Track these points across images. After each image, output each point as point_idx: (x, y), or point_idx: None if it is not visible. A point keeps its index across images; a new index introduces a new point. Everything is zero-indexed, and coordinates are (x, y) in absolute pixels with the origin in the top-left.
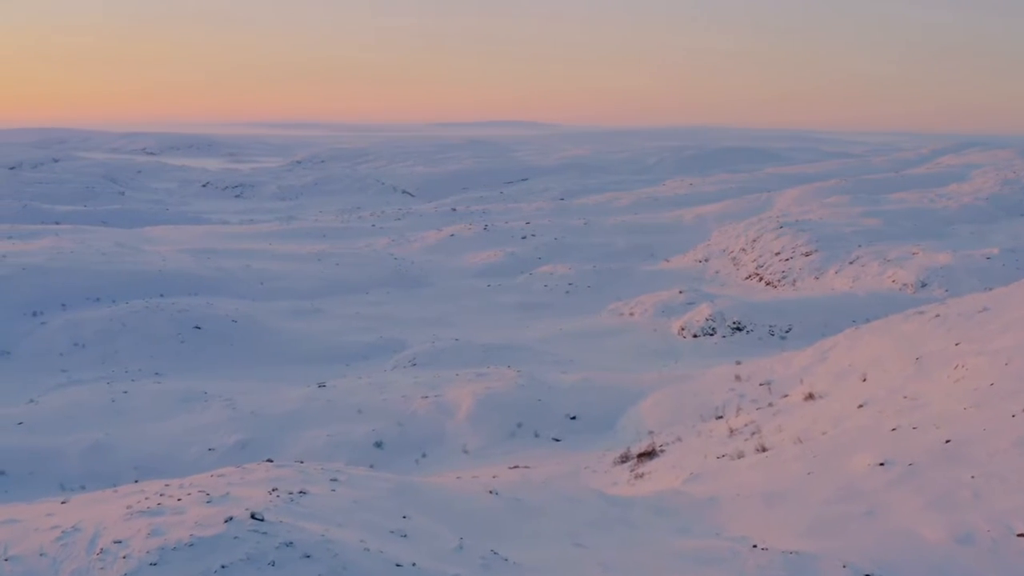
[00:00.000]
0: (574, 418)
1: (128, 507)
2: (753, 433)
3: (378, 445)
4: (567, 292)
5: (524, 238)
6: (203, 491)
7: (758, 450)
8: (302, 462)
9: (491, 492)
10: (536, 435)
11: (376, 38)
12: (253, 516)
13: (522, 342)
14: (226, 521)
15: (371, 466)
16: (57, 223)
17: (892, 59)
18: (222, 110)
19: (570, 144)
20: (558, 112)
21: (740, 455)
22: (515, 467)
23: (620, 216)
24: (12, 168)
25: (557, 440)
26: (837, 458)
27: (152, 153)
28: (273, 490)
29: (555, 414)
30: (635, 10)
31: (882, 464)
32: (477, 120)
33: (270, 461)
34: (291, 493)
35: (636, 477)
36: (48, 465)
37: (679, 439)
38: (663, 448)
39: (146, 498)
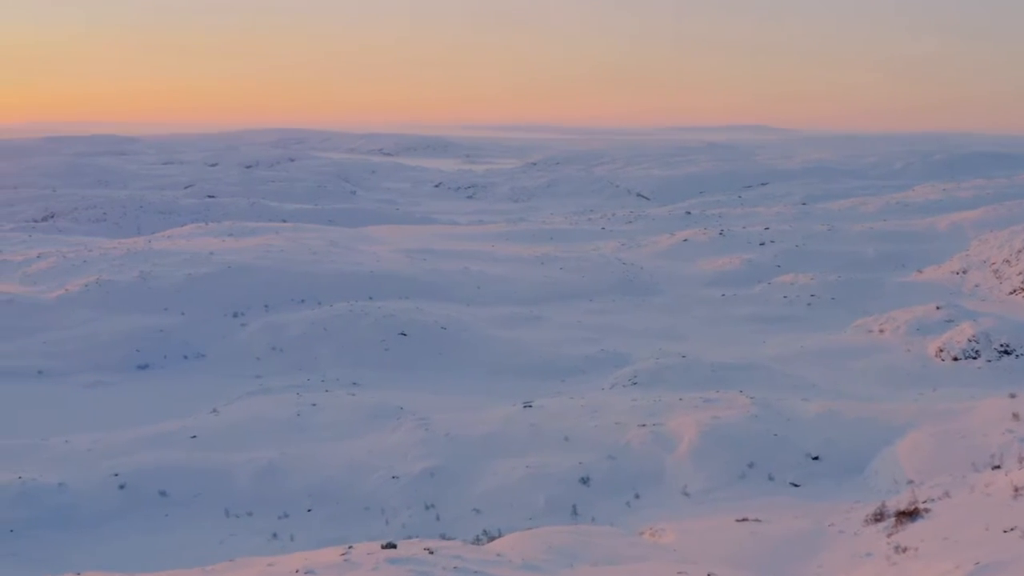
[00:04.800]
0: (816, 458)
1: None
2: None
3: (584, 481)
4: (809, 304)
5: (762, 244)
6: None
7: None
8: (431, 552)
9: None
10: (770, 478)
11: (615, 42)
12: None
13: (757, 360)
14: None
15: (574, 507)
16: (284, 221)
17: None
18: (462, 113)
19: (811, 148)
20: (798, 116)
21: None
22: (743, 519)
23: (867, 223)
24: (248, 167)
25: (796, 485)
26: None
27: (388, 154)
28: None
29: (794, 452)
30: (870, 14)
31: None
32: (715, 124)
33: (392, 547)
34: None
35: (897, 551)
36: (215, 487)
37: (947, 494)
38: (927, 506)
39: None
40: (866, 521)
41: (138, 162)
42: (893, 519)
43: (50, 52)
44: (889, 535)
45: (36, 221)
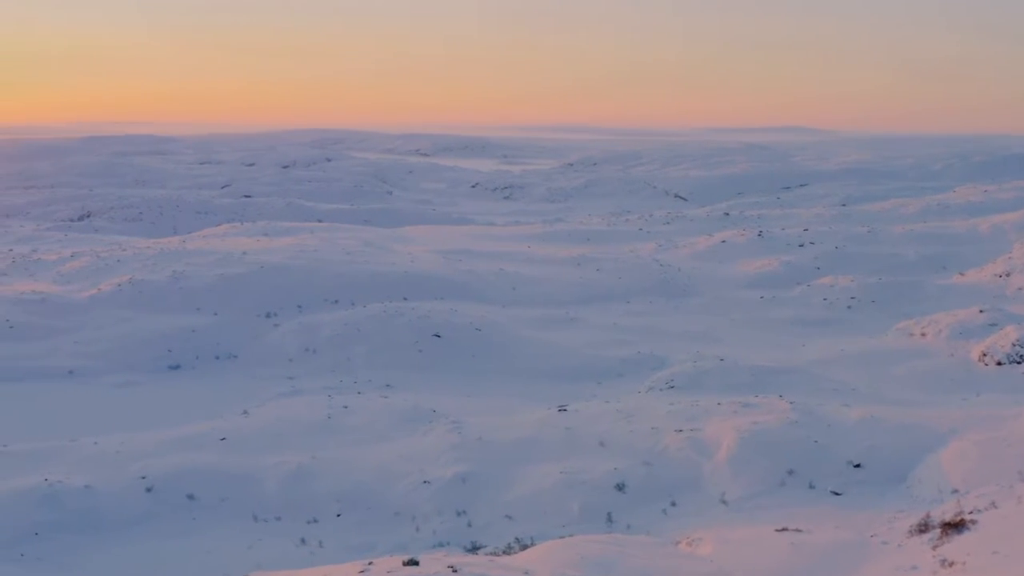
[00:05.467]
0: (858, 466)
1: None
2: None
3: (619, 488)
4: (849, 307)
5: (802, 246)
6: None
7: None
8: (455, 569)
9: None
10: (811, 486)
11: (652, 44)
12: None
13: (796, 364)
14: None
15: (609, 515)
16: (319, 221)
17: None
18: (500, 113)
19: (849, 149)
20: (835, 117)
21: None
22: (783, 529)
23: (908, 224)
24: (285, 167)
25: (837, 494)
26: None
27: (425, 154)
28: None
29: (835, 460)
30: (909, 15)
31: None
32: (753, 125)
33: (414, 563)
34: None
35: (943, 565)
36: (243, 491)
37: (994, 505)
38: (974, 517)
39: None
40: (910, 532)
41: (175, 162)
42: (938, 530)
43: (90, 53)
44: (934, 547)
45: (72, 220)
